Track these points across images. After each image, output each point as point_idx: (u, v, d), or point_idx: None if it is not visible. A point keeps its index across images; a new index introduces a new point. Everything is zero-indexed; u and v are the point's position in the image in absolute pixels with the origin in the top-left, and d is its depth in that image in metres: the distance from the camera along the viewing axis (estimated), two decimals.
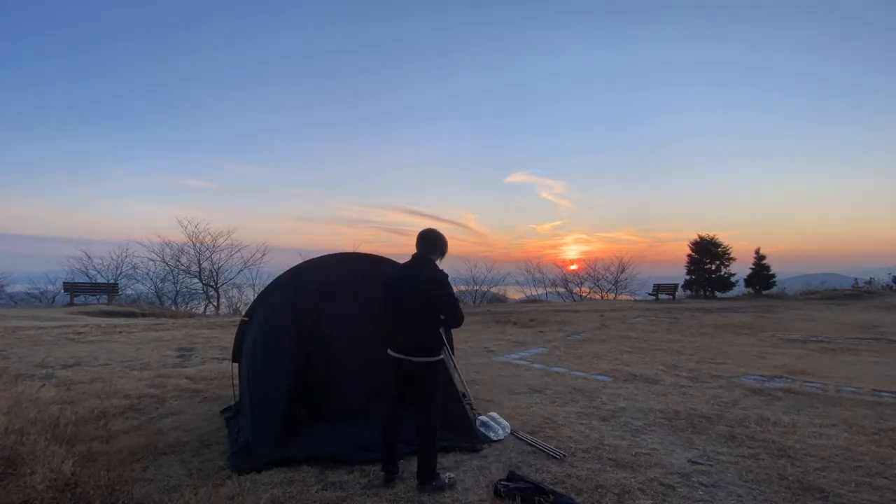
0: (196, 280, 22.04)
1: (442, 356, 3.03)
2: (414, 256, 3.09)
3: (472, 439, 3.59)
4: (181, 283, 22.10)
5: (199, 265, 21.76)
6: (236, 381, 4.38)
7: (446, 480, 2.88)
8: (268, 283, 4.38)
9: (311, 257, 4.48)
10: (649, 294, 23.32)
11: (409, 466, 3.15)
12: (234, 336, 4.48)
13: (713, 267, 25.23)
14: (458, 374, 4.23)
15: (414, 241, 3.11)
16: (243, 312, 3.43)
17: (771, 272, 24.02)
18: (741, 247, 28.86)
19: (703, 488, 2.93)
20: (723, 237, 25.88)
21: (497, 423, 3.90)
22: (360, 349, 3.74)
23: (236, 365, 4.39)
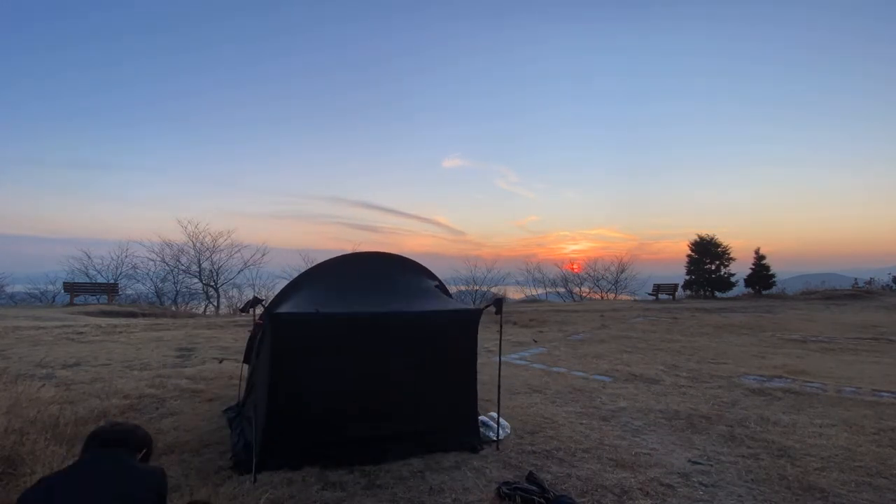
0: (196, 280, 22.04)
1: None
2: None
3: (472, 439, 3.59)
4: (181, 283, 22.11)
5: (199, 265, 21.76)
6: (240, 382, 4.37)
7: None
8: (267, 282, 4.34)
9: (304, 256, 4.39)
10: (649, 294, 23.31)
11: (409, 467, 3.16)
12: (234, 336, 4.47)
13: (713, 267, 25.23)
14: None
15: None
16: (258, 315, 3.33)
17: (771, 272, 24.00)
18: (741, 246, 28.81)
19: (703, 488, 2.93)
20: (719, 234, 25.91)
21: (497, 424, 3.91)
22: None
23: (245, 366, 4.36)
